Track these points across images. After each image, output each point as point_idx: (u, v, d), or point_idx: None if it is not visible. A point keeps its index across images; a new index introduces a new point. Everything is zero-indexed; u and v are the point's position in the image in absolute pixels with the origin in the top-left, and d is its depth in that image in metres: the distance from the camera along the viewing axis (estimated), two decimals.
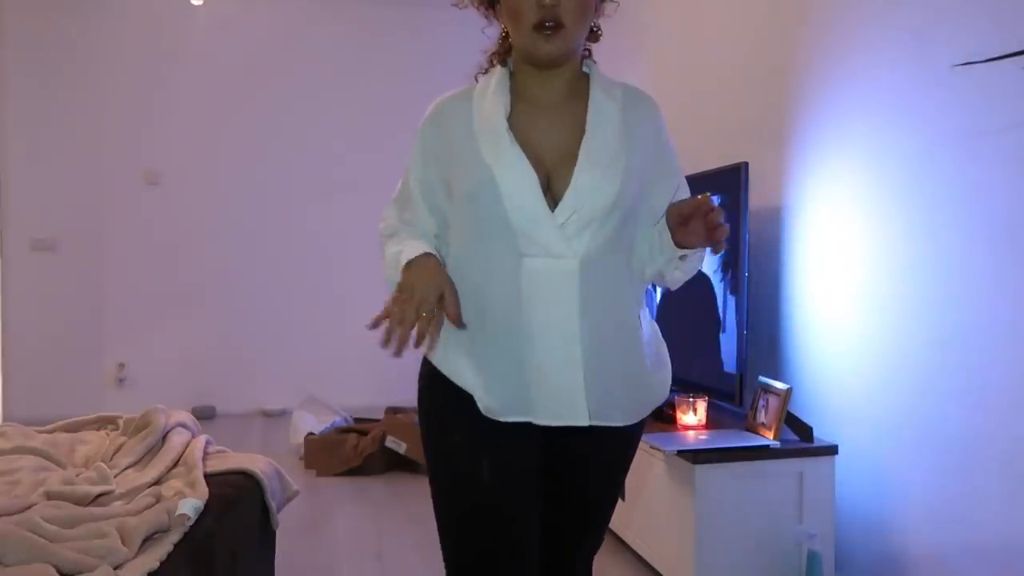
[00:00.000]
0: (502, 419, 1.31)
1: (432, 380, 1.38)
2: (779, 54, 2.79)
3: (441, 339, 1.37)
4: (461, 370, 1.34)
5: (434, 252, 1.32)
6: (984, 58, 1.64)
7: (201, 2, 5.19)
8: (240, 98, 5.30)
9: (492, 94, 1.35)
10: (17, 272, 5.02)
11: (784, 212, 2.74)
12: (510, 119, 1.32)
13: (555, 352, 1.28)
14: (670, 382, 1.47)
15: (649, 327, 1.42)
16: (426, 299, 1.22)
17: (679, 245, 1.29)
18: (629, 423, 1.38)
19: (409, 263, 1.28)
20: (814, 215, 2.60)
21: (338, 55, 5.39)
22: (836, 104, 2.50)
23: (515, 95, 1.36)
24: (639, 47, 4.00)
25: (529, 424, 1.32)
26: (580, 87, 1.37)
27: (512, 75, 1.39)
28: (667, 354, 1.48)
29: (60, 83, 5.08)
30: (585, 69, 1.40)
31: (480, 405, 1.31)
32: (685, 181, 1.45)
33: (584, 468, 1.42)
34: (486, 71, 1.42)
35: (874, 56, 2.33)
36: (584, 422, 1.31)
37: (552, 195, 1.28)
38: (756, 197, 2.70)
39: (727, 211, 2.61)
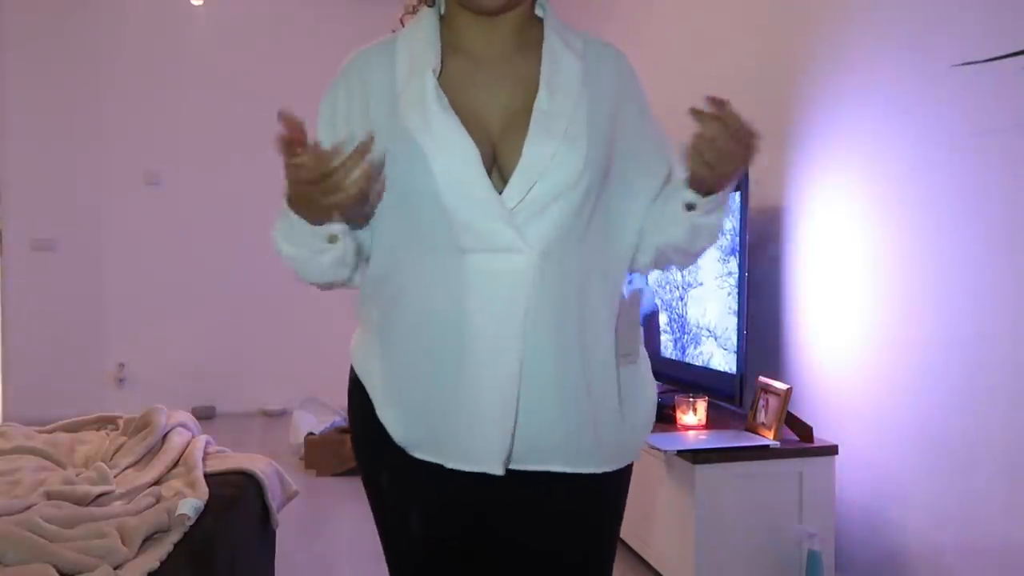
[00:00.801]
0: (415, 455, 1.06)
1: (356, 387, 1.14)
2: (779, 54, 2.79)
3: (363, 342, 1.14)
4: (379, 391, 1.09)
5: None
6: (984, 58, 1.64)
7: (201, 2, 5.19)
8: (240, 98, 5.29)
9: (418, 44, 1.06)
10: (17, 272, 5.02)
11: (784, 212, 2.74)
12: (441, 76, 1.03)
13: (487, 372, 0.99)
14: (652, 420, 1.17)
15: (634, 347, 1.14)
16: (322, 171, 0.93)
17: (697, 184, 1.03)
18: (580, 470, 1.06)
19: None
20: (814, 215, 2.60)
21: (339, 55, 5.37)
22: (836, 104, 2.50)
23: (448, 46, 1.07)
24: (639, 47, 4.00)
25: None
26: (532, 35, 1.09)
27: (443, 19, 1.10)
28: (651, 379, 1.18)
29: (60, 83, 5.07)
30: (538, 12, 1.12)
31: (394, 435, 1.07)
32: (666, 140, 1.16)
33: (528, 543, 1.11)
34: (414, 10, 1.13)
35: (874, 56, 2.33)
36: (495, 469, 1.01)
37: (500, 172, 1.02)
38: (756, 197, 2.70)
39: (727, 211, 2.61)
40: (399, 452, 1.07)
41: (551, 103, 1.02)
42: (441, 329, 1.02)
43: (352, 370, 1.15)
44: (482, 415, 1.01)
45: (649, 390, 1.18)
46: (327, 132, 1.07)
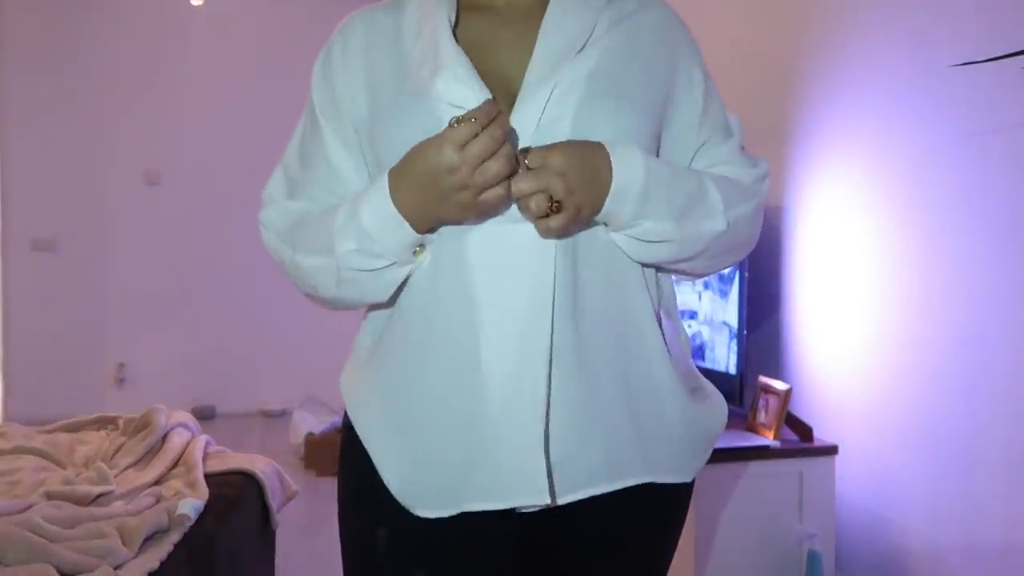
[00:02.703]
0: (422, 513, 0.89)
1: (352, 432, 0.97)
2: (779, 54, 2.79)
3: (354, 367, 0.98)
4: (371, 427, 0.92)
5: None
6: (984, 58, 1.64)
7: (201, 2, 5.18)
8: (240, 98, 5.30)
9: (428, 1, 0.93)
10: (17, 272, 5.02)
11: (784, 212, 2.74)
12: (458, 35, 0.91)
13: (510, 376, 0.83)
14: (725, 416, 1.02)
15: (675, 337, 0.97)
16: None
17: None
18: (640, 480, 0.92)
19: (392, 184, 0.83)
20: (814, 215, 2.60)
21: None
22: (836, 104, 2.50)
23: (467, 4, 0.95)
24: None
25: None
26: None
27: None
28: (709, 383, 1.04)
29: (60, 83, 5.07)
30: None
31: (392, 489, 0.90)
32: (722, 106, 1.04)
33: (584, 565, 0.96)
34: None
35: (874, 56, 2.33)
36: (535, 500, 0.85)
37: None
38: None
39: None
40: (406, 511, 0.90)
41: (560, 45, 0.90)
42: (440, 327, 0.87)
43: (345, 416, 0.99)
44: (507, 432, 0.84)
45: (706, 388, 1.02)
46: (323, 94, 0.97)
